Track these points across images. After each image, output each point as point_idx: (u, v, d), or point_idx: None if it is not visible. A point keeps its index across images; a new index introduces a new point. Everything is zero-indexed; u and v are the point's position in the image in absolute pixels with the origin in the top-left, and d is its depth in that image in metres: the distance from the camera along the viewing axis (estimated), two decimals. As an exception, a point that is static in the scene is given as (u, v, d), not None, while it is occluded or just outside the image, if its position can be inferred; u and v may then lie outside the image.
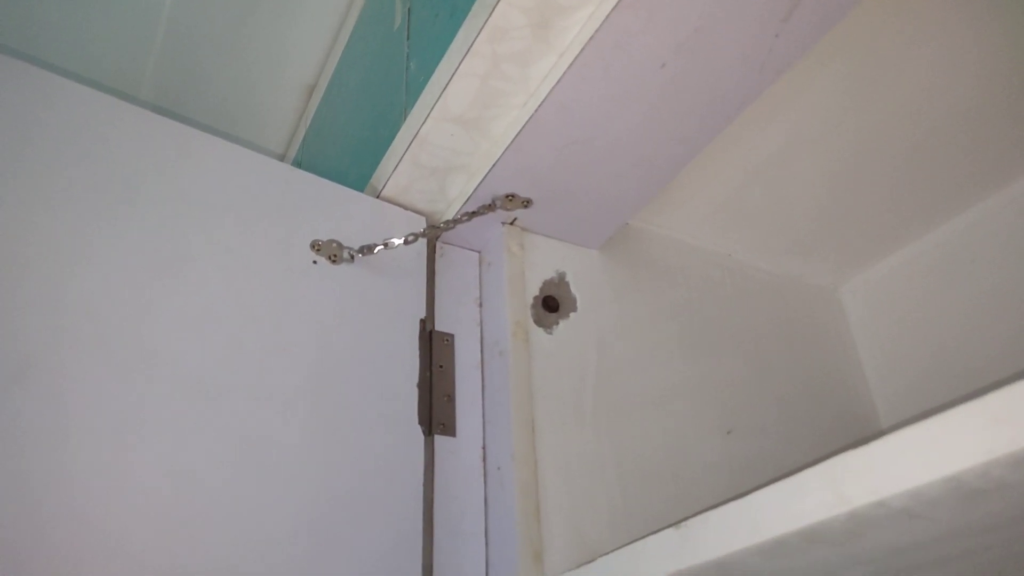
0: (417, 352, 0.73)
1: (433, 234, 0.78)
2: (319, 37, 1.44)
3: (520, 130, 0.67)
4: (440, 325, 0.76)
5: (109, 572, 0.50)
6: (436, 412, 0.71)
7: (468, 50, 0.63)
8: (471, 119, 0.70)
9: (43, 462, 0.51)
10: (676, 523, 0.50)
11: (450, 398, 0.73)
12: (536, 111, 0.65)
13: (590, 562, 0.57)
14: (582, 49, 0.60)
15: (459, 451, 0.70)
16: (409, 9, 0.94)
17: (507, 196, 0.75)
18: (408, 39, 0.91)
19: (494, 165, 0.71)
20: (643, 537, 0.52)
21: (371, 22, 1.17)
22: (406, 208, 0.80)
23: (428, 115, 0.69)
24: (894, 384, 0.96)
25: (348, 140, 1.13)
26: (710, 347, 0.87)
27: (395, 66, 0.93)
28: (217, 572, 0.54)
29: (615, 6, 0.57)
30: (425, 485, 0.67)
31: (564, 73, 0.62)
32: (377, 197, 0.79)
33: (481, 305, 0.80)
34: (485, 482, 0.69)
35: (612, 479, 0.70)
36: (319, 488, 0.61)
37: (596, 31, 0.59)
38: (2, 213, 0.57)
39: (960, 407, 0.35)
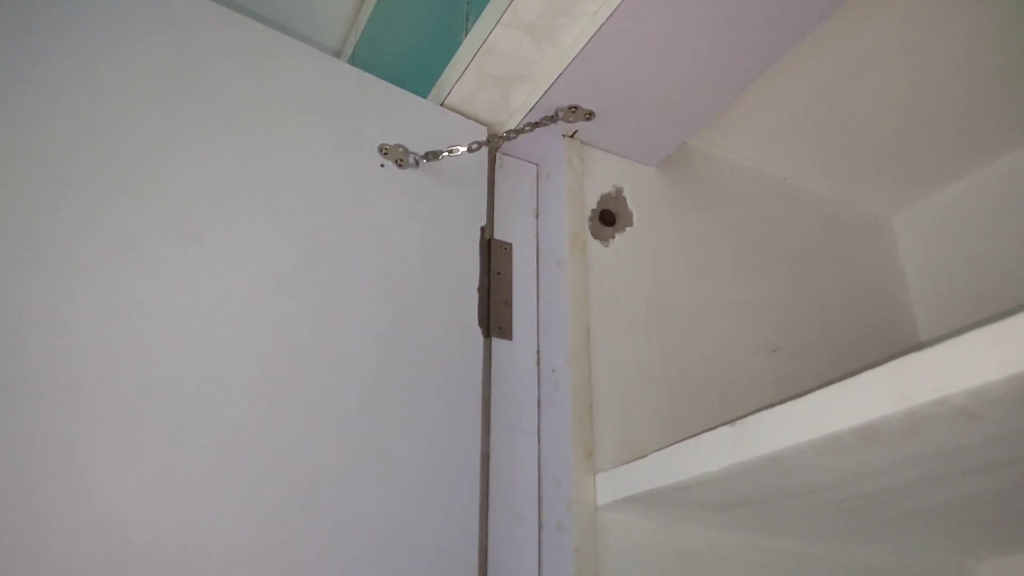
0: (478, 259, 0.75)
1: (496, 143, 0.79)
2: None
3: (590, 39, 0.67)
4: (499, 234, 0.78)
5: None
6: (494, 316, 0.74)
7: (544, -46, 0.62)
8: (541, 27, 0.70)
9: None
10: (731, 420, 0.52)
11: (507, 304, 0.75)
12: (607, 19, 0.65)
13: (642, 457, 0.60)
14: (660, -44, 0.59)
15: (515, 353, 0.73)
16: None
17: (570, 108, 0.76)
18: (472, -56, 0.90)
19: (560, 75, 0.72)
20: (697, 434, 0.55)
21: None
22: (468, 117, 0.81)
23: (498, 22, 0.69)
24: (941, 315, 0.97)
25: (407, 41, 1.13)
26: (761, 268, 0.88)
27: (458, -29, 0.92)
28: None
29: (698, -90, 0.56)
30: (484, 384, 0.70)
31: (639, -20, 0.62)
32: (441, 104, 0.80)
33: (538, 216, 0.81)
34: (539, 384, 0.73)
35: (661, 386, 0.73)
36: (386, 378, 0.65)
37: (676, -63, 0.58)
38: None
39: (1030, 309, 0.36)
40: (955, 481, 0.52)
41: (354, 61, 1.43)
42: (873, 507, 0.60)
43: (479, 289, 0.74)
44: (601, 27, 0.66)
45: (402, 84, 0.79)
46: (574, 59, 0.69)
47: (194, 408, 0.56)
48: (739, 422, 0.51)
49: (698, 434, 0.55)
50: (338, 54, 1.64)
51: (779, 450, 0.48)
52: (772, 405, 0.49)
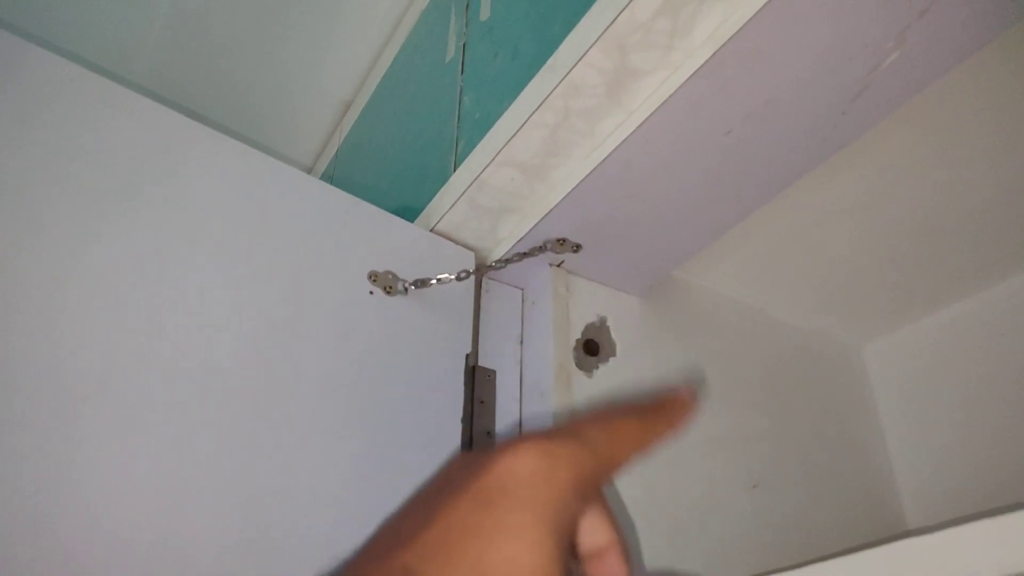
0: (462, 387, 0.74)
1: (483, 272, 0.80)
2: (360, 54, 1.46)
3: (580, 181, 0.69)
4: (483, 360, 0.78)
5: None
6: (476, 446, 0.73)
7: (542, 103, 0.65)
8: (534, 166, 0.72)
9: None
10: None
11: (490, 434, 0.74)
12: (599, 165, 0.67)
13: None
14: (652, 112, 0.62)
15: (496, 488, 0.72)
16: (464, 44, 0.97)
17: (558, 240, 0.77)
18: (462, 73, 0.93)
19: (550, 211, 0.73)
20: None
21: (419, 49, 1.19)
22: (457, 242, 0.82)
23: (492, 160, 0.71)
24: (912, 448, 0.98)
25: (388, 162, 1.15)
26: (739, 399, 0.89)
27: (446, 97, 0.95)
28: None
29: (691, 75, 0.59)
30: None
31: (631, 133, 0.64)
32: (430, 231, 0.80)
33: (522, 343, 0.82)
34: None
35: (644, 528, 0.72)
36: (364, 518, 0.63)
37: (668, 97, 0.61)
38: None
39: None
40: None
41: (331, 179, 1.45)
42: None
43: (462, 420, 0.73)
44: (592, 172, 0.68)
45: (381, 202, 0.80)
46: (564, 199, 0.71)
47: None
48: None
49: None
50: (309, 171, 1.66)
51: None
52: None
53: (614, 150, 0.66)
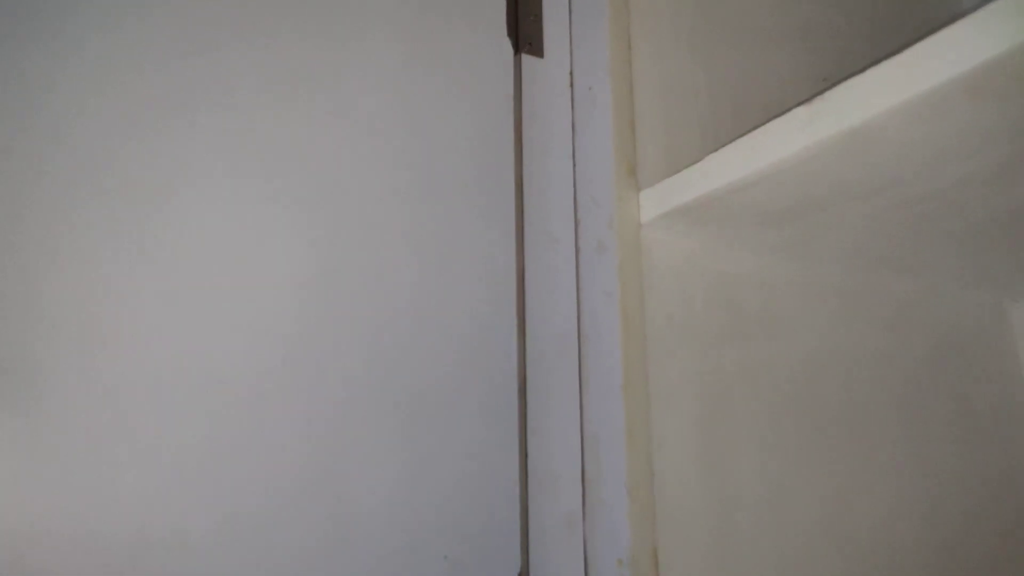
0: (504, -37, 0.66)
1: None
2: None
3: None
4: None
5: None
6: (523, 31, 0.66)
7: None
8: None
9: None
10: (807, 99, 0.46)
11: (537, 17, 0.67)
12: None
13: (694, 164, 0.55)
14: None
15: (546, 72, 0.66)
16: None
17: None
18: None
19: None
20: (764, 123, 0.50)
21: None
22: None
23: None
24: None
25: None
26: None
27: None
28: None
29: None
30: (515, 102, 0.64)
31: None
32: None
33: (570, -80, 0.71)
34: (573, 105, 0.66)
35: (704, 106, 0.67)
36: (408, 100, 0.58)
37: None
38: None
39: None
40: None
41: None
42: (943, 212, 0.56)
43: (507, -2, 0.65)
44: None
45: None
46: None
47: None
48: (817, 99, 0.46)
49: (765, 122, 0.49)
50: None
51: (867, 120, 0.42)
52: (861, 70, 0.43)
53: None
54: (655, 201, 0.58)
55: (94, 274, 0.48)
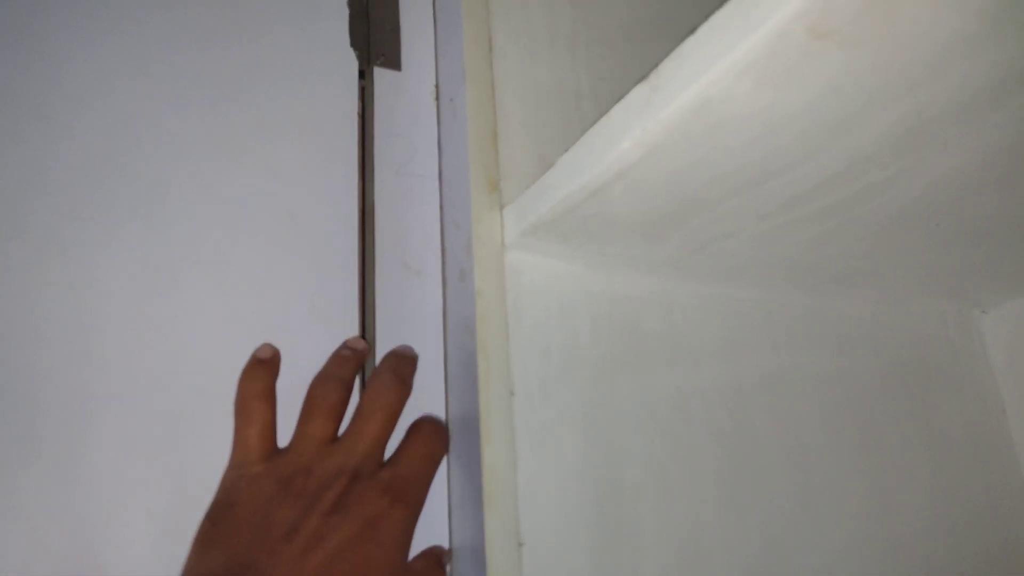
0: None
1: None
2: None
3: None
4: (378, -55, 0.62)
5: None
6: (376, 43, 0.59)
7: None
8: None
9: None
10: (643, 76, 0.38)
11: (394, 29, 0.60)
12: None
13: (550, 167, 0.47)
14: None
15: (405, 86, 0.59)
16: None
17: None
18: None
19: None
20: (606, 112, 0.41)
21: None
22: None
23: None
24: None
25: None
26: None
27: None
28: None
29: None
30: (362, 118, 0.56)
31: None
32: None
33: (432, -78, 0.64)
34: (438, 119, 0.59)
35: (589, 110, 0.59)
36: (230, 109, 0.51)
37: None
38: None
39: None
40: (954, 133, 0.39)
41: None
42: (850, 211, 0.47)
43: (349, 3, 0.58)
44: None
45: None
46: None
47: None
48: (655, 71, 0.37)
49: (607, 112, 0.41)
50: None
51: (704, 88, 0.34)
52: (694, 29, 0.35)
53: None
54: (517, 217, 0.50)
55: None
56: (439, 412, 0.52)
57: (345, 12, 0.57)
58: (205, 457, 0.45)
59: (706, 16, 0.53)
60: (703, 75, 0.34)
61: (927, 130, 0.38)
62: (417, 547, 0.43)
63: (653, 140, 0.38)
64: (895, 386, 0.65)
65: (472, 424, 0.47)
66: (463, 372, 0.50)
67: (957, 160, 0.42)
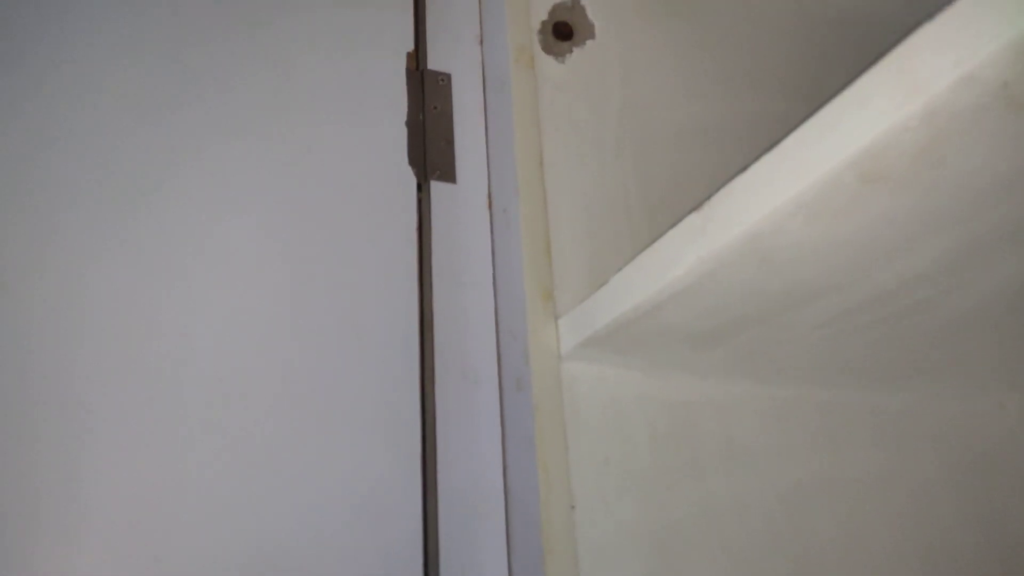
0: (405, 89, 0.63)
1: (417, -48, 0.66)
2: None
3: None
4: (434, 63, 0.66)
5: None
6: (432, 157, 0.62)
7: None
8: None
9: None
10: (696, 206, 0.40)
11: (448, 142, 0.63)
12: None
13: (603, 284, 0.48)
14: None
15: (461, 197, 0.62)
16: None
17: None
18: None
19: None
20: (659, 236, 0.43)
21: None
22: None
23: None
24: None
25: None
26: (760, 81, 0.74)
27: None
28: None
29: None
30: (421, 232, 0.59)
31: None
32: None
33: (482, 43, 0.68)
34: (492, 229, 0.61)
35: (639, 218, 0.61)
36: (295, 234, 0.54)
37: None
38: None
39: None
40: (1007, 253, 0.39)
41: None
42: (906, 319, 0.47)
43: (408, 123, 0.62)
44: None
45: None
46: None
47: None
48: (707, 203, 0.39)
49: (660, 235, 0.43)
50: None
51: (756, 223, 0.36)
52: (746, 168, 0.37)
53: None
54: (572, 329, 0.51)
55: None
56: (500, 518, 0.52)
57: (403, 131, 0.61)
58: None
59: (747, 123, 0.54)
60: (755, 212, 0.35)
61: (979, 252, 0.39)
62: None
63: (706, 268, 0.39)
64: (959, 483, 0.64)
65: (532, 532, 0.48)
66: (522, 488, 0.50)
67: (1012, 270, 0.43)
